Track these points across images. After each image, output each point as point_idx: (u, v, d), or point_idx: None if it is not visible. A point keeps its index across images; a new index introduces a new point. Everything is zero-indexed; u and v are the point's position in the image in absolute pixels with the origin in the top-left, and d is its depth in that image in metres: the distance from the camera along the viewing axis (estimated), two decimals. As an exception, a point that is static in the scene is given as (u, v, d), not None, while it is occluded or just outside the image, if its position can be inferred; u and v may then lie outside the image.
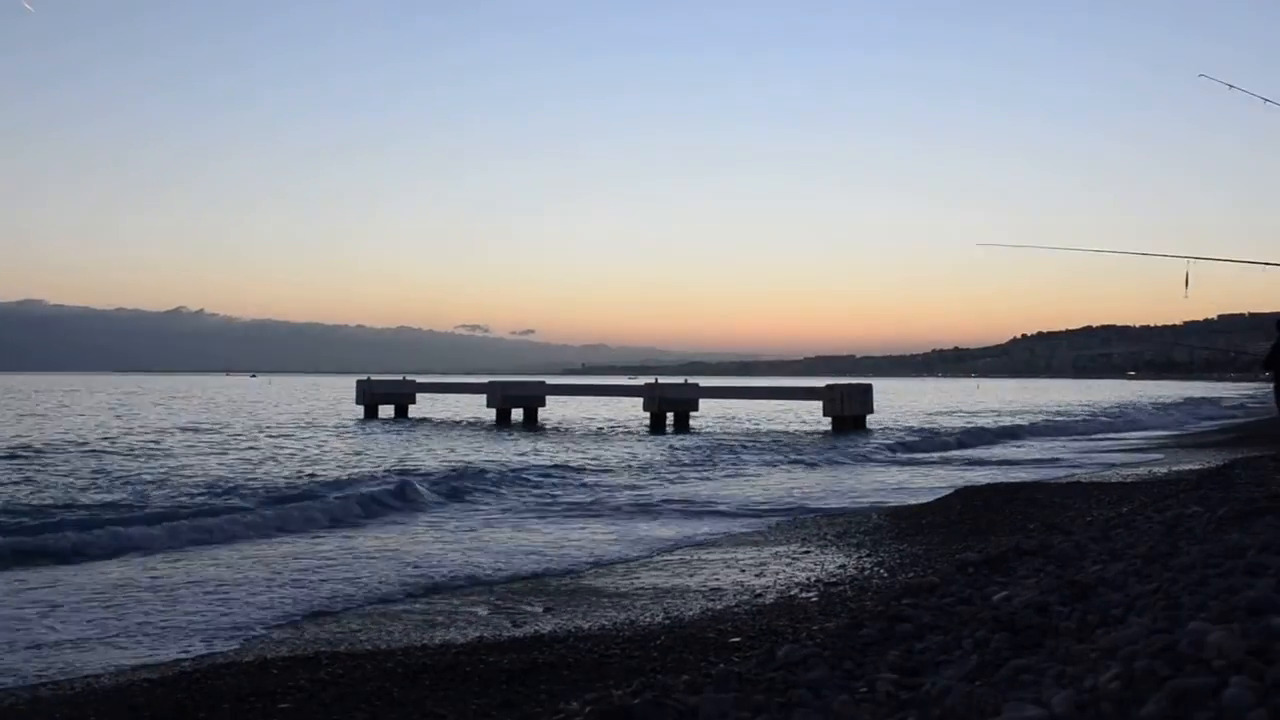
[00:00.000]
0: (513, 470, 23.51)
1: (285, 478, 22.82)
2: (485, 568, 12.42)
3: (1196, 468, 21.74)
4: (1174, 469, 22.70)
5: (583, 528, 15.98)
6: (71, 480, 22.21)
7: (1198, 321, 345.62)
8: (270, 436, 37.68)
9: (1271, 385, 18.37)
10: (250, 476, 23.07)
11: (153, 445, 32.59)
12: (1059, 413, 62.36)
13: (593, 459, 27.04)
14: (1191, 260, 13.95)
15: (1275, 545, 5.45)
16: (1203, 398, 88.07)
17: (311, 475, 23.33)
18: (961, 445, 36.34)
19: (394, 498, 18.35)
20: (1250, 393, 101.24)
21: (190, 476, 23.06)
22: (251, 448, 32.00)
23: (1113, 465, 25.64)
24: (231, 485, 21.27)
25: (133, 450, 30.27)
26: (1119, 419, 55.40)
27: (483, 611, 9.88)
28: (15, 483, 21.43)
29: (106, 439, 35.07)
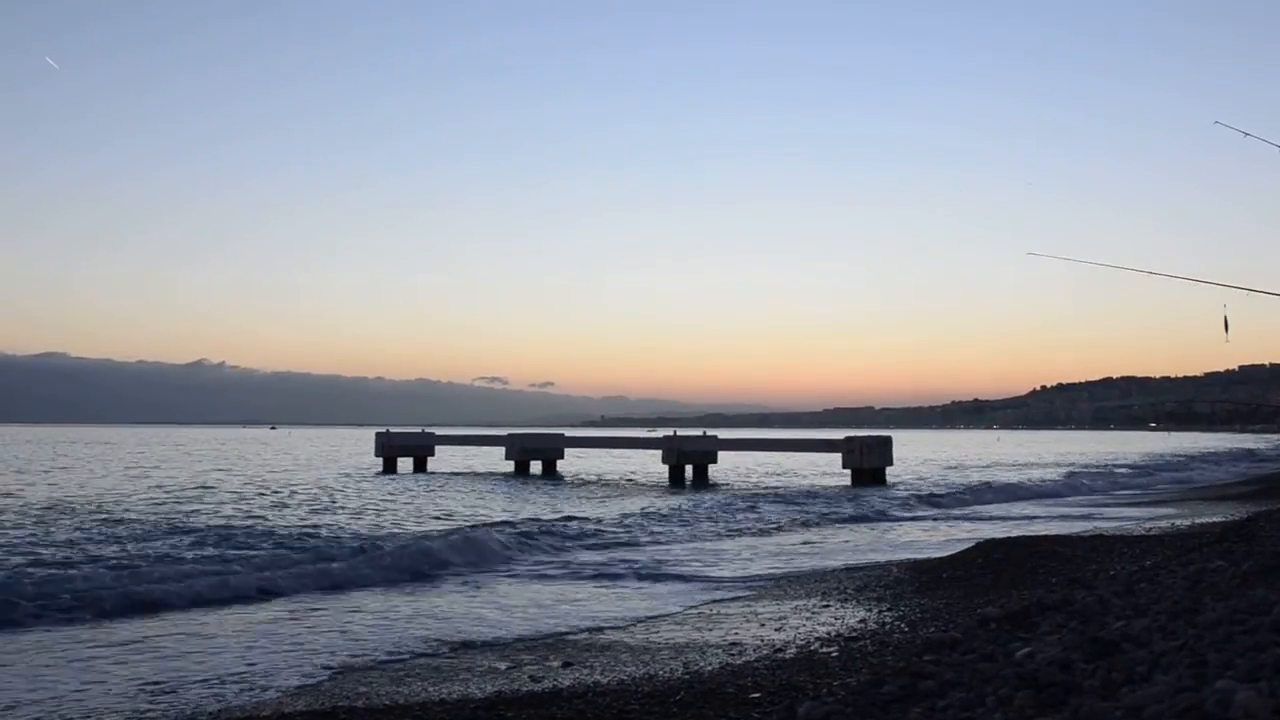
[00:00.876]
0: (532, 525, 23.37)
1: (298, 528, 22.77)
2: (503, 624, 12.37)
3: (1219, 520, 21.58)
4: (1196, 521, 22.54)
5: (601, 585, 15.91)
6: (147, 530, 22.39)
7: (1219, 372, 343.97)
8: (292, 488, 37.67)
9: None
10: (286, 527, 23.02)
11: (201, 495, 32.89)
12: (1092, 465, 61.98)
13: (611, 514, 26.89)
14: (1232, 290, 13.84)
15: (1301, 601, 5.39)
16: (1247, 449, 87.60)
17: (314, 528, 23.22)
18: (982, 498, 36.11)
19: (421, 557, 18.11)
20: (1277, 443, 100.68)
21: (242, 527, 23.18)
22: (282, 501, 31.99)
23: (1134, 517, 25.46)
24: (276, 538, 21.21)
25: (161, 502, 30.37)
26: (1166, 471, 55.02)
27: (501, 666, 9.83)
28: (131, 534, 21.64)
29: (123, 494, 35.10)
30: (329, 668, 9.96)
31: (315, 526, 23.66)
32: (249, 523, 24.55)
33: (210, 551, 18.97)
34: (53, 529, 22.63)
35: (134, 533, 22.08)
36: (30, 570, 16.17)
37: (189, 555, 18.49)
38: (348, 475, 47.32)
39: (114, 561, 17.37)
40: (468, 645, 11.03)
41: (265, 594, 14.60)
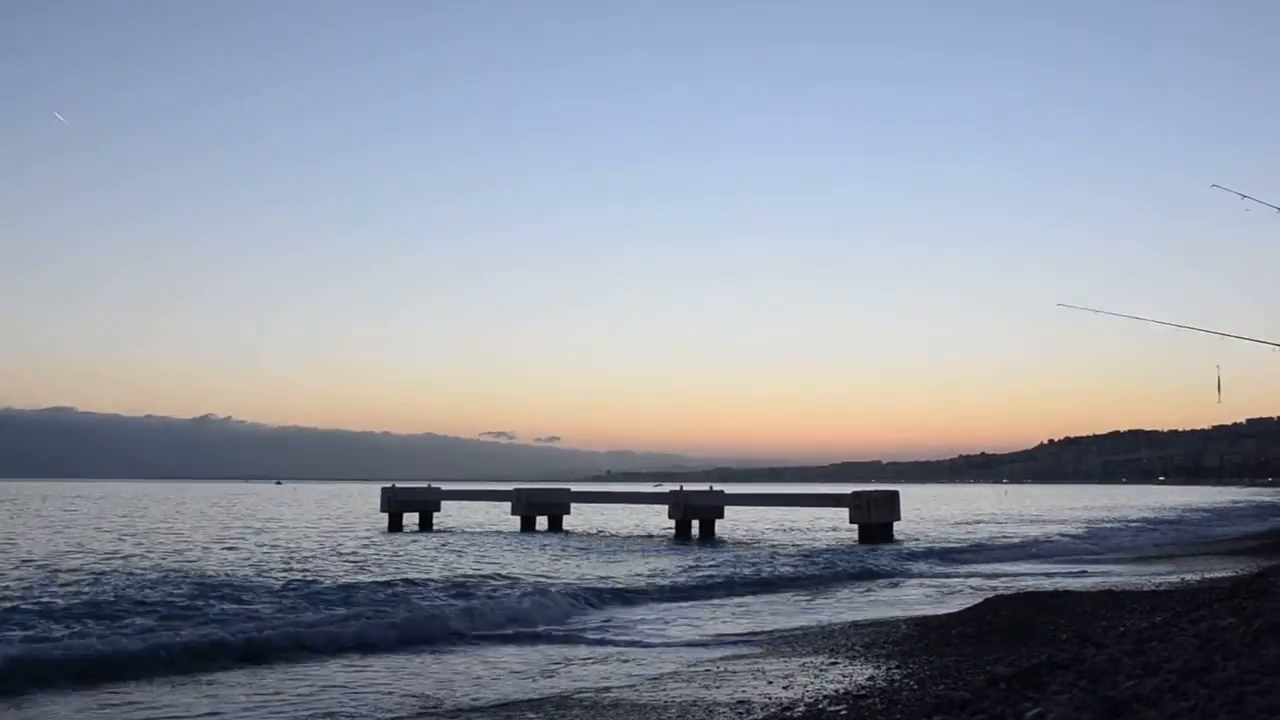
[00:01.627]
0: (545, 584, 23.20)
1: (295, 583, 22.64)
2: (510, 685, 12.31)
3: (1229, 575, 21.44)
4: (1206, 576, 22.39)
5: (611, 644, 15.83)
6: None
7: (1226, 426, 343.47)
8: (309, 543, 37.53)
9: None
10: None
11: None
12: (1102, 520, 61.75)
13: (619, 573, 26.66)
14: (1222, 338, 13.86)
15: (1313, 661, 5.34)
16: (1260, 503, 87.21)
17: (309, 583, 23.06)
18: (990, 553, 35.98)
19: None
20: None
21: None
22: (301, 562, 31.84)
23: (1144, 573, 25.31)
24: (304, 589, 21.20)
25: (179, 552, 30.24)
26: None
27: (506, 726, 9.76)
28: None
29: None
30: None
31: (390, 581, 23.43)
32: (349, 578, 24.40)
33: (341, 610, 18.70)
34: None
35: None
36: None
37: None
38: (361, 532, 47.14)
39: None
40: (469, 707, 10.96)
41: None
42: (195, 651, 13.77)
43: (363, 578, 24.29)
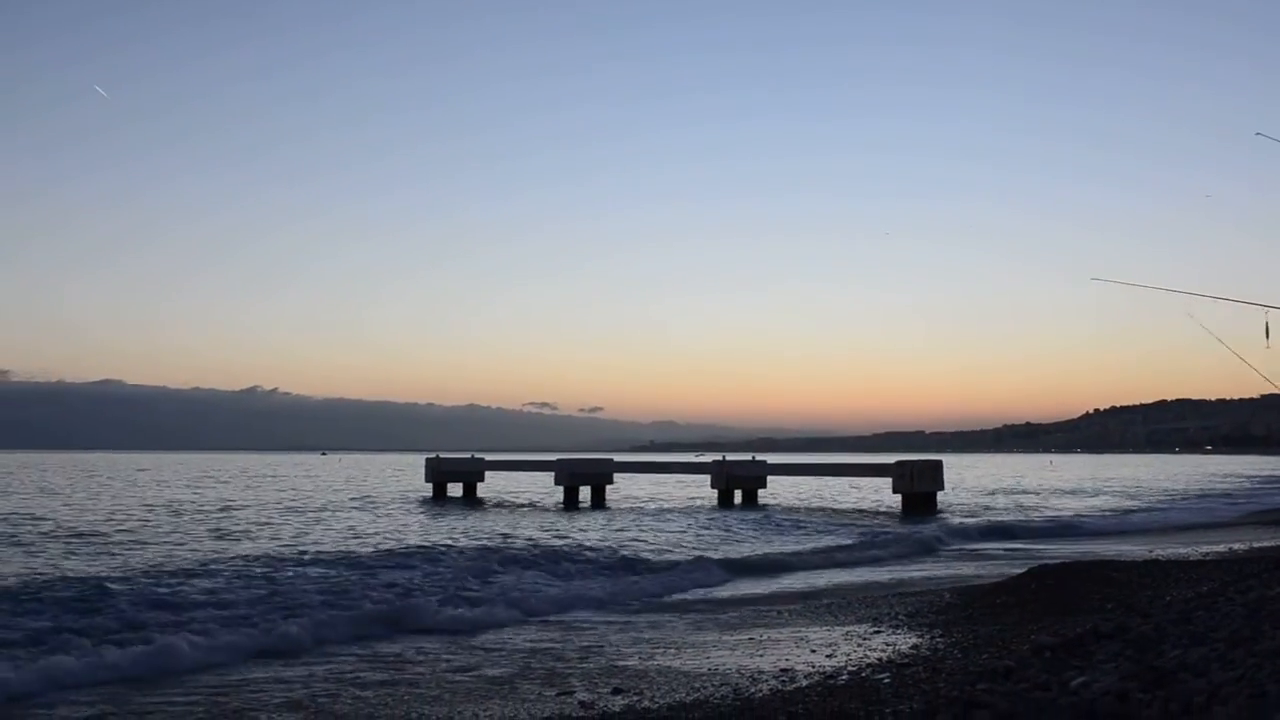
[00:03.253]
0: (589, 550, 23.37)
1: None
2: (553, 646, 12.43)
3: (1278, 544, 21.27)
4: (1254, 545, 22.22)
5: (658, 612, 15.93)
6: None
7: (1274, 395, 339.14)
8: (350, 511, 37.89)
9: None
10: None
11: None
12: (1151, 489, 61.34)
13: (662, 542, 26.71)
14: (1267, 310, 13.67)
15: (1363, 630, 5.31)
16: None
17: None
18: (1035, 523, 35.83)
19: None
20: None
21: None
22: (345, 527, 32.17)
23: (1191, 542, 25.14)
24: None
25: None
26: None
27: (550, 692, 9.85)
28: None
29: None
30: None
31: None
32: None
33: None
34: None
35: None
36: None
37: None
38: (405, 503, 47.52)
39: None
40: (516, 670, 11.07)
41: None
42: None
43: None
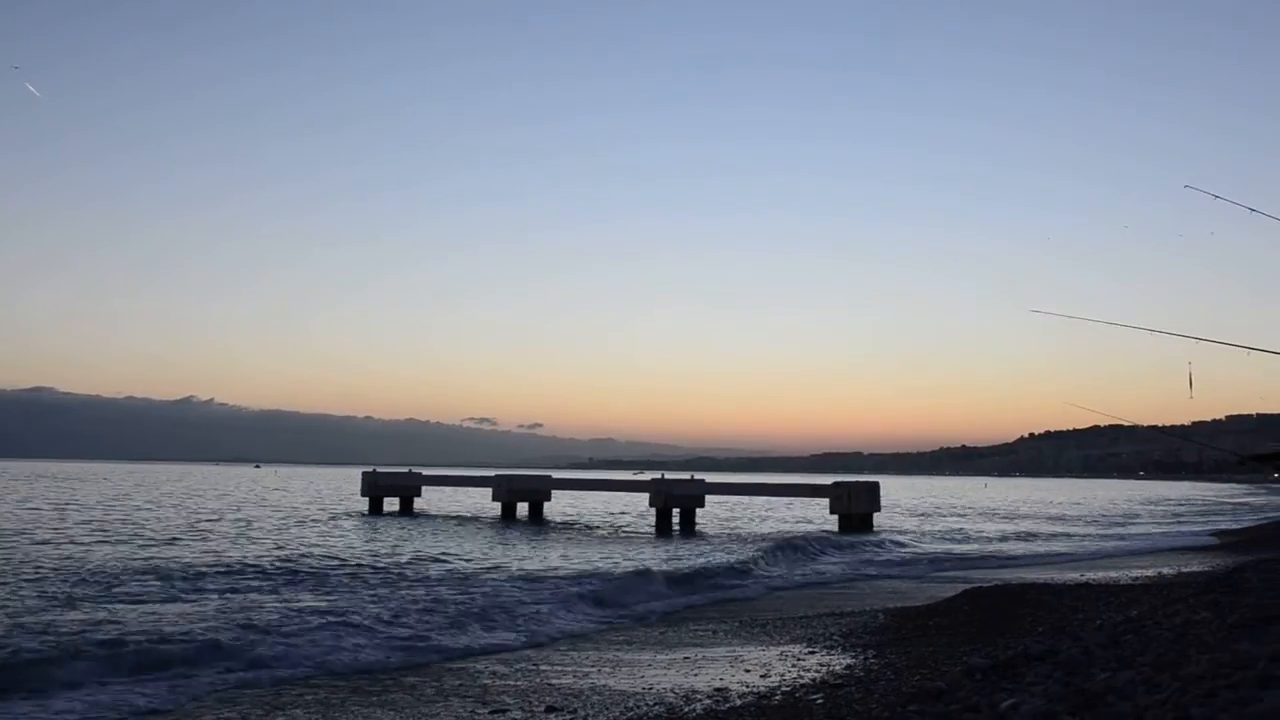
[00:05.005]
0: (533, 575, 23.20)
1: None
2: (485, 665, 12.36)
3: (1205, 570, 21.59)
4: (1183, 570, 22.54)
5: (592, 629, 15.88)
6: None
7: (1206, 422, 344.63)
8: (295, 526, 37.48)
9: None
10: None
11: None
12: (1082, 514, 62.09)
13: (604, 563, 26.61)
14: (1197, 342, 13.91)
15: (1285, 655, 5.39)
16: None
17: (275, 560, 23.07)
18: (969, 545, 36.13)
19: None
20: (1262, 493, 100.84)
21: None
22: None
23: (1121, 567, 25.45)
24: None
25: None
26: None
27: (483, 710, 9.78)
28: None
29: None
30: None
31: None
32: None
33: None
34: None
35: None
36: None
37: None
38: (339, 516, 47.12)
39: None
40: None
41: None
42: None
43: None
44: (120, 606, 16.43)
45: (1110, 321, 15.53)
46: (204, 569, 22.22)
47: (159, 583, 19.69)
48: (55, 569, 21.60)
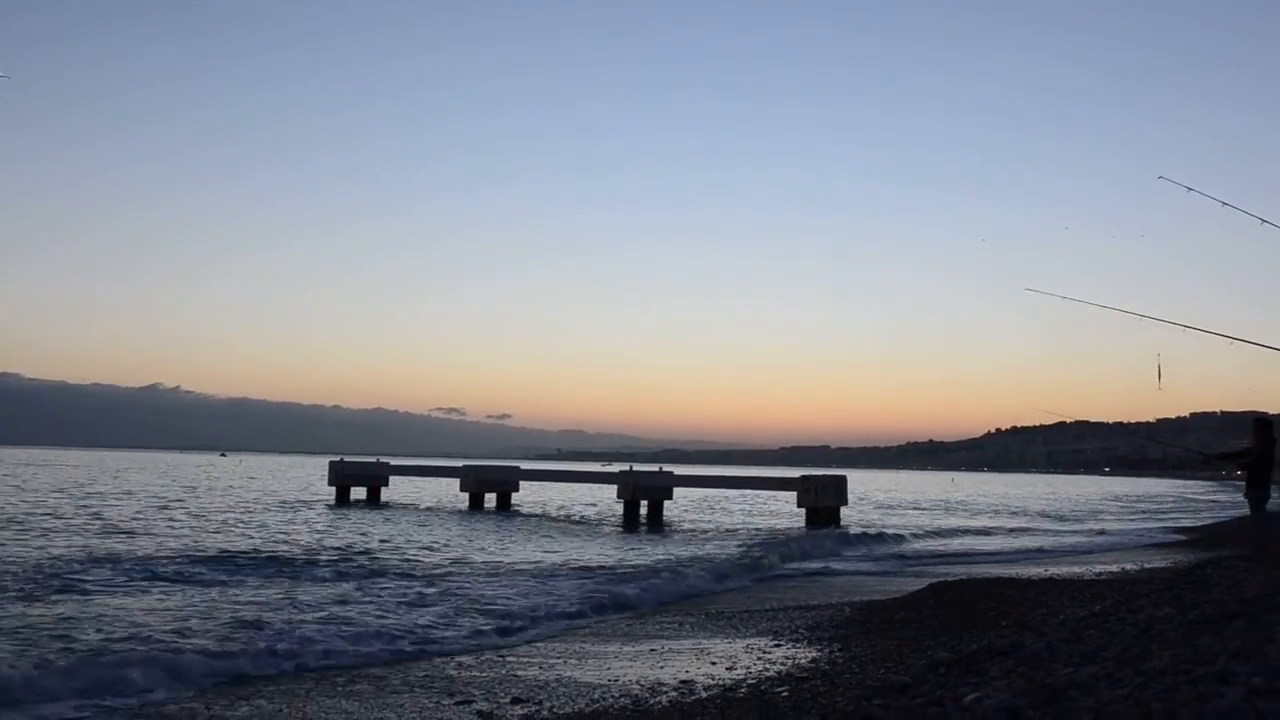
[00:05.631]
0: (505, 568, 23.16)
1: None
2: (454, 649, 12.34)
3: (1169, 566, 21.76)
4: (1146, 566, 22.71)
5: (566, 625, 15.87)
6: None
7: (1170, 419, 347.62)
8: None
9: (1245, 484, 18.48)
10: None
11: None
12: (1045, 511, 62.50)
13: (574, 556, 26.59)
14: (1185, 330, 14.03)
15: (1246, 652, 5.44)
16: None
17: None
18: (936, 539, 36.32)
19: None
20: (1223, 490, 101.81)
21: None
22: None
23: (1085, 562, 25.62)
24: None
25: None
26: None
27: (448, 701, 9.76)
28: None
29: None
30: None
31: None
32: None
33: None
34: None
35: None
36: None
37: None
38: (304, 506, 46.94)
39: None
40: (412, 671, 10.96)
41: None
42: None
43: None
44: (62, 597, 16.34)
45: (1102, 305, 15.67)
46: (164, 559, 22.10)
47: (110, 574, 19.47)
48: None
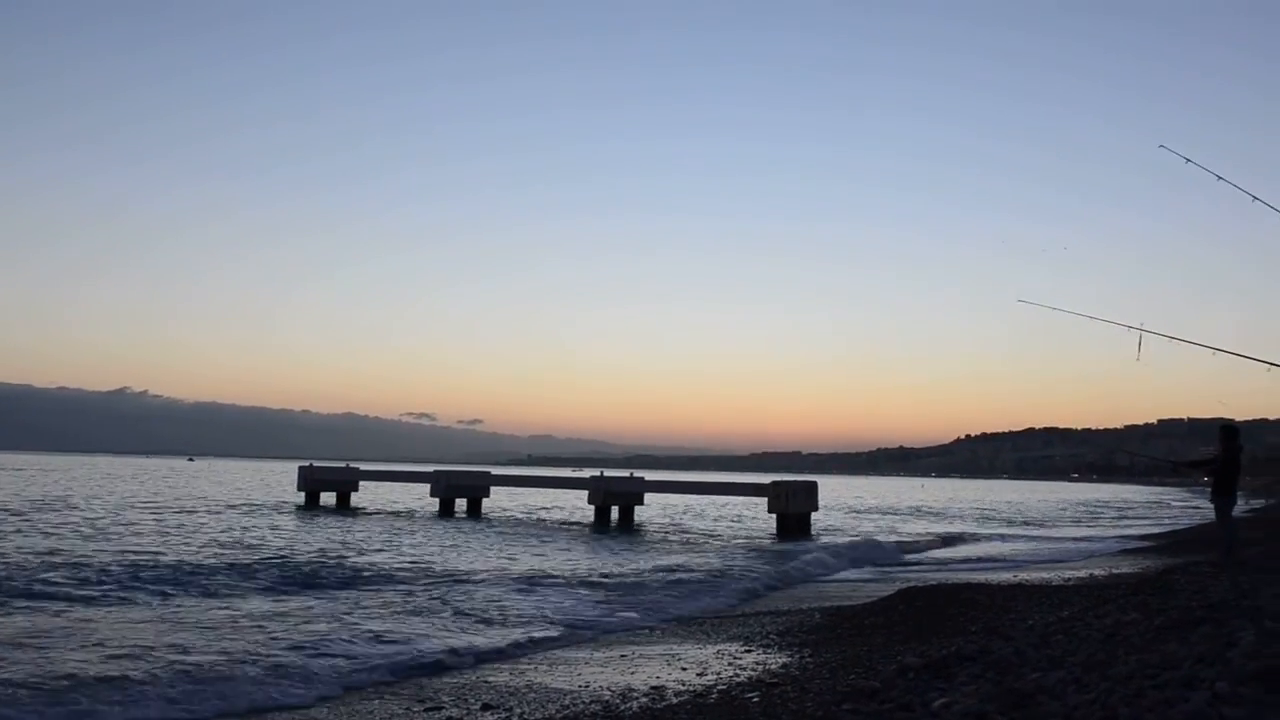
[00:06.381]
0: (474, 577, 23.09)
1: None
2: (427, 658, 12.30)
3: (1136, 572, 21.90)
4: (1114, 572, 22.84)
5: (531, 628, 15.85)
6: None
7: (1138, 426, 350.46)
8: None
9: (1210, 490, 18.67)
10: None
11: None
12: (1017, 516, 62.79)
13: (541, 565, 26.55)
14: (1142, 333, 14.15)
15: (1211, 657, 5.49)
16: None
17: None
18: (907, 544, 36.44)
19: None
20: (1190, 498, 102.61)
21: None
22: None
23: (1054, 568, 25.76)
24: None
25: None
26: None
27: (418, 708, 9.74)
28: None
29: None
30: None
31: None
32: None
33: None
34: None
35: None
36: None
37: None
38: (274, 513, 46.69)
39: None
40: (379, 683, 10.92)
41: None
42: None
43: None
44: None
45: (1091, 316, 15.80)
46: (126, 568, 21.71)
47: (66, 582, 18.97)
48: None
